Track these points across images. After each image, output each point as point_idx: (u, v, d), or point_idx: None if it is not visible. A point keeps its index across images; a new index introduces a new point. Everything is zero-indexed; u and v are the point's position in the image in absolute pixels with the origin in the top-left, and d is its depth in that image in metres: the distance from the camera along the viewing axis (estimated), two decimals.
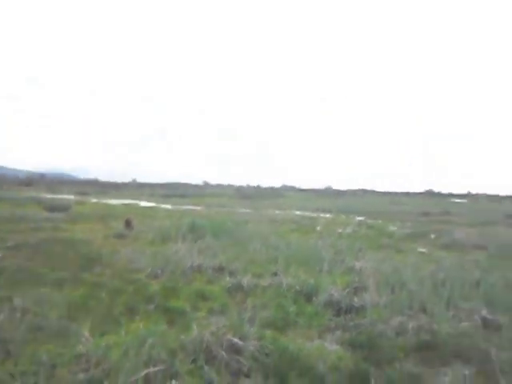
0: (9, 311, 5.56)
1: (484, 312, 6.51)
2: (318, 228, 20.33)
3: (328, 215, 29.64)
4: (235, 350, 4.70)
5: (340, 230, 19.36)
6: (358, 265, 9.79)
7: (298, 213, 31.14)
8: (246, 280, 8.11)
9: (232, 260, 10.02)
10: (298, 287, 7.82)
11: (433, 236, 18.02)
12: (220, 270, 9.29)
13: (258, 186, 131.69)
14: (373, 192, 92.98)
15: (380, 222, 25.02)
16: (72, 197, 44.34)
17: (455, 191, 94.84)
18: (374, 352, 5.20)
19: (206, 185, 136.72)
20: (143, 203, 37.46)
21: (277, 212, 31.51)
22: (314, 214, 29.80)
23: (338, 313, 6.72)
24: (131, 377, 3.92)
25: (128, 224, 16.59)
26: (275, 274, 8.89)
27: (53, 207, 23.58)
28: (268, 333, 5.47)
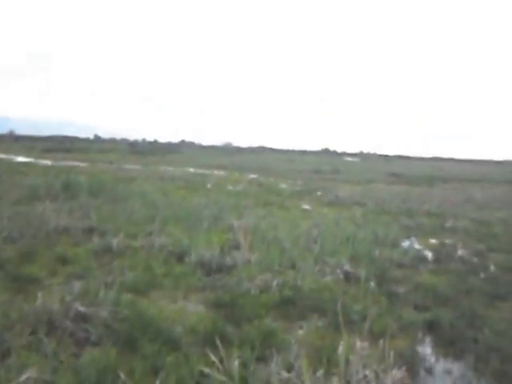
0: None
1: (347, 266, 6.92)
2: (209, 185, 20.35)
3: (222, 172, 29.77)
4: (84, 318, 4.49)
5: (230, 188, 19.57)
6: (237, 223, 9.89)
7: (191, 170, 30.92)
8: (116, 241, 7.81)
9: (105, 220, 9.62)
10: (170, 247, 7.72)
11: (319, 193, 18.89)
12: (90, 231, 8.86)
13: (155, 141, 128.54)
14: (271, 150, 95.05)
15: (272, 179, 25.66)
16: None
17: (349, 150, 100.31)
18: (235, 311, 5.29)
19: (97, 139, 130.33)
20: (19, 158, 34.75)
21: (169, 169, 30.99)
22: (208, 171, 29.76)
23: (208, 272, 6.73)
24: None
25: None
26: (150, 234, 8.70)
27: None
28: (126, 297, 5.31)
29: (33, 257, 7.07)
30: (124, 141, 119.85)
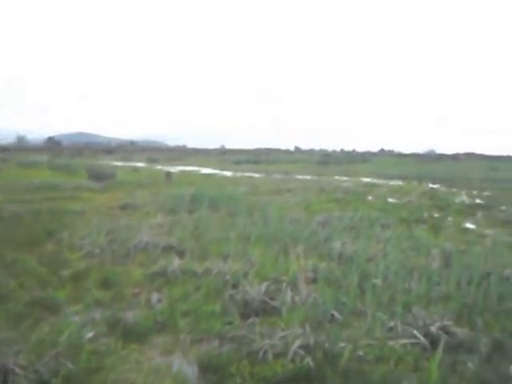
0: None
1: (440, 324, 4.69)
2: (370, 198, 18.42)
3: (400, 183, 27.08)
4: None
5: (392, 200, 17.34)
6: (343, 247, 8.06)
7: (366, 180, 28.90)
8: (174, 265, 6.86)
9: (195, 237, 8.84)
10: (228, 276, 6.42)
11: (503, 208, 15.36)
12: (169, 249, 8.15)
13: (352, 151, 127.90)
14: (481, 156, 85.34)
15: (455, 190, 22.18)
16: (140, 164, 45.72)
17: None
18: (223, 382, 3.79)
19: (297, 150, 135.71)
20: (205, 170, 37.19)
21: (343, 179, 29.54)
22: (384, 182, 27.40)
23: (248, 314, 5.25)
24: None
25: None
26: (226, 257, 7.57)
27: (96, 175, 23.82)
28: (103, 343, 4.26)
29: (84, 277, 6.61)
30: (322, 151, 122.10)
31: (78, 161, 44.97)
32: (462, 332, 4.67)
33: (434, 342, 4.42)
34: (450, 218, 12.85)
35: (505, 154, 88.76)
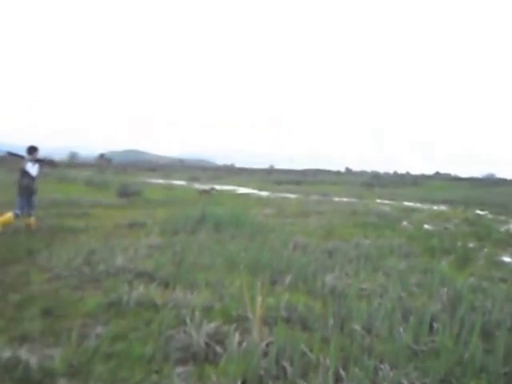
0: None
1: None
2: (405, 223, 17.16)
3: (444, 208, 25.48)
4: None
5: (426, 227, 16.05)
6: (337, 281, 7.09)
7: (408, 204, 27.41)
8: (132, 295, 6.14)
9: (178, 262, 8.12)
10: (185, 309, 5.63)
11: None
12: (143, 275, 7.44)
13: (406, 174, 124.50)
14: None
15: (503, 218, 20.48)
16: (179, 182, 45.89)
17: None
18: None
19: (348, 172, 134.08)
20: (242, 190, 36.70)
21: (385, 202, 28.22)
22: (426, 207, 25.87)
23: (185, 360, 4.46)
24: None
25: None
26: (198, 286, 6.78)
27: (123, 192, 23.72)
28: None
29: (29, 304, 5.98)
30: (373, 173, 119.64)
31: (120, 177, 45.54)
32: None
33: None
34: (485, 249, 11.50)
35: None
